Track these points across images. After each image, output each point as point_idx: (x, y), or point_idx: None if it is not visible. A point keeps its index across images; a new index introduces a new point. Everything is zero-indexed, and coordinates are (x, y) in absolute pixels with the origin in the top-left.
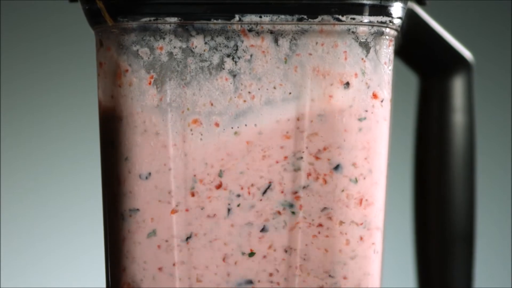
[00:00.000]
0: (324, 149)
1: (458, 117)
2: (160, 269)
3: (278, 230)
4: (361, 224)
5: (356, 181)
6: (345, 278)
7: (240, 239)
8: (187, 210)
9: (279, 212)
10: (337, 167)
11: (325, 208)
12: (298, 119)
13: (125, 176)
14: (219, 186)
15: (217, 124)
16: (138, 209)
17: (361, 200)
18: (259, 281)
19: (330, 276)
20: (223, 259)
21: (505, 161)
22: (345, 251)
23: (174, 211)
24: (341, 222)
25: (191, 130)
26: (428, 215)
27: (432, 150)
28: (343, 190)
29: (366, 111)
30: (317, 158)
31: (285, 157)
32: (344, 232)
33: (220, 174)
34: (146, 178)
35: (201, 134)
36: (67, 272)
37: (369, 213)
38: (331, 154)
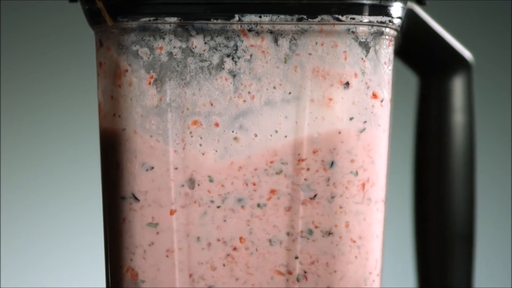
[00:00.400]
0: (322, 150)
1: (458, 117)
2: (156, 248)
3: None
4: (362, 202)
5: (356, 174)
6: (347, 226)
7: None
8: (182, 207)
9: (242, 207)
10: (332, 164)
11: (315, 195)
12: (296, 124)
13: (125, 168)
14: (208, 191)
15: (216, 125)
16: (138, 199)
17: (363, 184)
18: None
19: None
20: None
21: (505, 161)
22: (344, 230)
23: (172, 212)
24: (340, 207)
25: (190, 132)
26: (428, 215)
27: (432, 150)
28: (343, 177)
29: (366, 111)
30: (312, 159)
31: (271, 161)
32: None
33: (210, 179)
34: (147, 170)
35: (201, 138)
36: (67, 272)
37: (371, 193)
38: (330, 155)
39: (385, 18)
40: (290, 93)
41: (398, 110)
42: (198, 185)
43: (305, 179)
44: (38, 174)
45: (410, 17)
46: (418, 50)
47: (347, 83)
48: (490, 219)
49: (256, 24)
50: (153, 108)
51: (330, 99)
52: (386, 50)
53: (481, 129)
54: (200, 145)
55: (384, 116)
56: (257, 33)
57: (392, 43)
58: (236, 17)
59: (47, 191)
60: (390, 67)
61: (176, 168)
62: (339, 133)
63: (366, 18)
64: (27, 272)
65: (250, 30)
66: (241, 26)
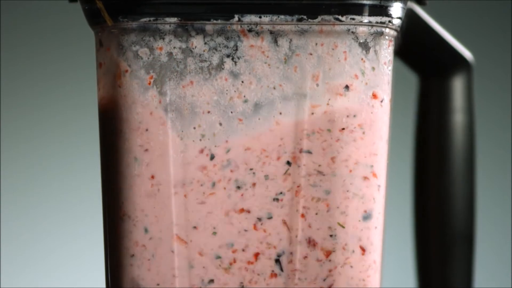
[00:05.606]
0: (322, 149)
1: (458, 117)
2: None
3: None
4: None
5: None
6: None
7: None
8: (180, 205)
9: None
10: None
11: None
12: (296, 125)
13: (125, 172)
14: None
15: (216, 125)
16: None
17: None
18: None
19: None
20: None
21: (505, 161)
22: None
23: (171, 212)
24: (340, 211)
25: (190, 133)
26: (428, 215)
27: (432, 150)
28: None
29: (366, 111)
30: (313, 162)
31: (278, 158)
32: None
33: (213, 184)
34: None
35: (202, 136)
36: (67, 272)
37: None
38: (330, 155)
39: (385, 19)
40: (290, 93)
41: (398, 110)
42: (196, 184)
43: (306, 179)
44: (38, 174)
45: (410, 17)
46: (418, 50)
47: (347, 83)
48: (490, 219)
49: (256, 24)
50: (153, 108)
51: (330, 100)
52: (386, 50)
53: (481, 129)
54: (200, 140)
55: (384, 116)
56: (257, 34)
57: (392, 43)
58: (236, 17)
59: (47, 191)
60: (390, 67)
61: (175, 169)
62: (339, 133)
63: (366, 19)
64: (27, 272)
65: (250, 31)
66: (241, 27)
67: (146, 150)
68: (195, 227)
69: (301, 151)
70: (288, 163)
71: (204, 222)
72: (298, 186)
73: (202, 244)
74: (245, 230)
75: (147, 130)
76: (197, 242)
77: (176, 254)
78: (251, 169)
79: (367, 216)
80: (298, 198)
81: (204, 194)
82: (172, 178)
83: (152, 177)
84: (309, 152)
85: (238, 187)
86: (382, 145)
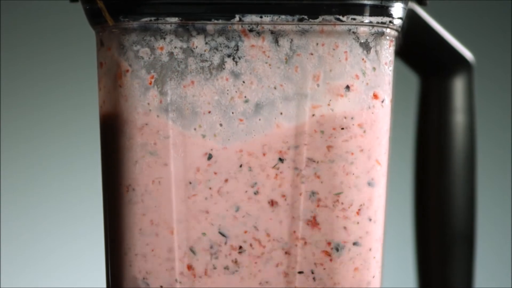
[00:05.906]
0: (321, 148)
1: (458, 117)
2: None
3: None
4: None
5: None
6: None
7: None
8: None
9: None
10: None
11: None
12: (297, 124)
13: (127, 172)
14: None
15: (217, 125)
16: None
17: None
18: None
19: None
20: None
21: (505, 161)
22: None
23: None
24: (343, 209)
25: (191, 133)
26: (428, 215)
27: (432, 150)
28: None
29: (367, 111)
30: (312, 161)
31: (278, 156)
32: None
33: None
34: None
35: (202, 136)
36: (67, 272)
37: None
38: (330, 156)
39: (386, 19)
40: (291, 93)
41: (399, 110)
42: (198, 183)
43: (304, 176)
44: (38, 174)
45: (410, 18)
46: (418, 51)
47: (348, 84)
48: (490, 219)
49: (257, 24)
50: (154, 108)
51: (331, 100)
52: (387, 50)
53: (481, 129)
54: (201, 140)
55: (385, 116)
56: (258, 33)
57: (393, 43)
58: (237, 17)
59: (47, 191)
60: (391, 68)
61: (177, 169)
62: (338, 133)
63: (367, 19)
64: (27, 272)
65: (251, 30)
66: (242, 26)
67: (147, 150)
68: (180, 222)
69: (297, 147)
70: (280, 159)
71: (196, 214)
72: (296, 186)
73: (189, 237)
74: (233, 220)
75: (148, 130)
76: (184, 235)
77: (174, 244)
78: (239, 166)
79: (370, 185)
80: (282, 187)
81: (194, 191)
82: (174, 179)
83: (153, 176)
84: (305, 149)
85: (223, 183)
86: (383, 145)
